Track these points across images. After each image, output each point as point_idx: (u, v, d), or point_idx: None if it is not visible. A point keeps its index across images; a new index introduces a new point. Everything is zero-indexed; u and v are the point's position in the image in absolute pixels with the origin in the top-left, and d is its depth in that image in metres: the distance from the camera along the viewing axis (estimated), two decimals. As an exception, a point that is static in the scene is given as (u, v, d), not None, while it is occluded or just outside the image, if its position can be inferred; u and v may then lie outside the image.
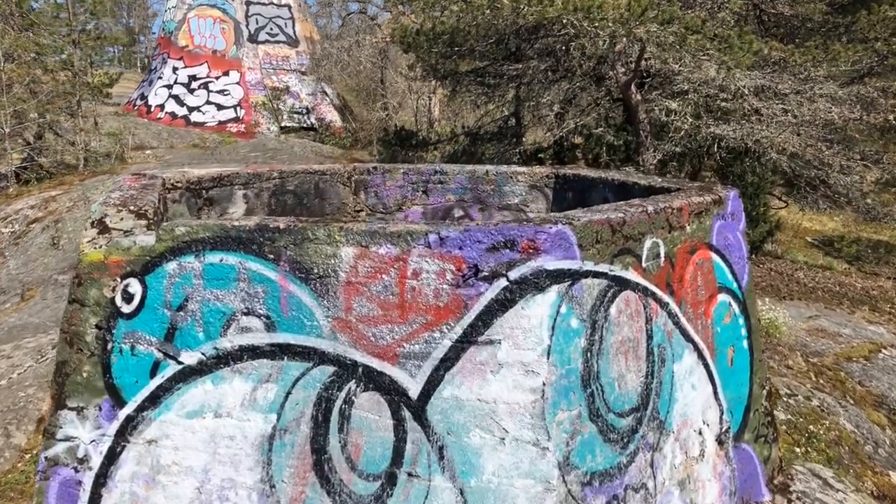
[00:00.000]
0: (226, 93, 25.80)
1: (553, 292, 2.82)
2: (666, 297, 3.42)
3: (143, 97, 25.68)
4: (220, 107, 25.43)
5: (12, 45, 12.27)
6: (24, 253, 7.14)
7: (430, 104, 25.22)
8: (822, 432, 5.06)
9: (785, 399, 5.50)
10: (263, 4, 27.65)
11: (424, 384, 2.83)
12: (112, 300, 3.04)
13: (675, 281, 3.50)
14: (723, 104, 10.86)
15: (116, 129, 18.10)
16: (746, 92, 10.32)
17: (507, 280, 2.79)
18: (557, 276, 2.84)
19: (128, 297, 3.03)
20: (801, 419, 5.27)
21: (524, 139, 15.62)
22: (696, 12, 9.28)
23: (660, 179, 4.66)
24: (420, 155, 16.99)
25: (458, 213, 5.90)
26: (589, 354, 2.95)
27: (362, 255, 2.89)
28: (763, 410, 4.21)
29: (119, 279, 3.04)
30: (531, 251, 2.79)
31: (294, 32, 27.73)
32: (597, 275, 3.02)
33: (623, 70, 11.20)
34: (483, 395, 2.78)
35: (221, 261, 2.99)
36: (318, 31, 30.78)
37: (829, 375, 6.58)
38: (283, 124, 25.45)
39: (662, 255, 3.43)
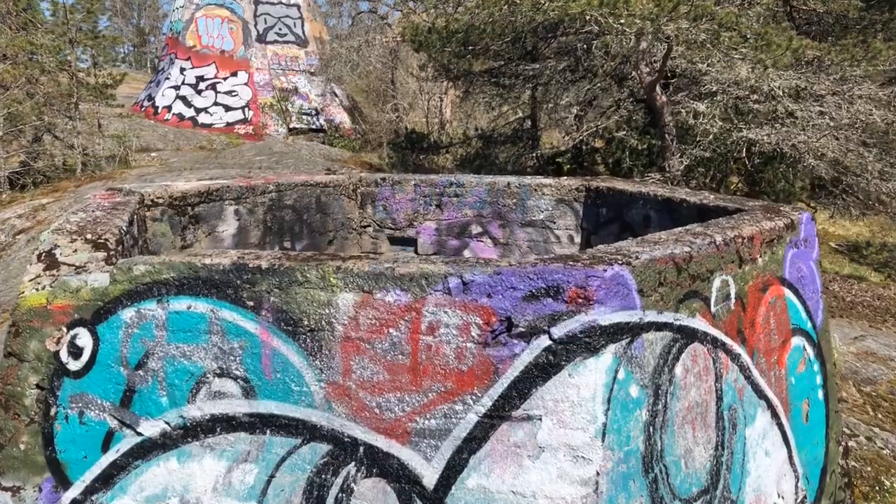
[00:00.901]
0: (234, 94, 25.32)
1: (609, 354, 2.20)
2: (737, 348, 2.79)
3: (151, 98, 25.26)
4: (227, 108, 24.96)
5: (8, 45, 11.77)
6: (6, 268, 6.60)
7: (441, 105, 24.62)
8: (894, 484, 4.41)
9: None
10: (272, 4, 27.14)
11: (443, 470, 2.21)
12: (56, 355, 2.44)
13: (747, 326, 2.87)
14: (755, 106, 10.18)
15: (121, 131, 17.63)
16: (781, 93, 9.64)
17: (550, 338, 2.18)
18: (614, 333, 2.22)
19: (75, 352, 2.44)
20: (868, 467, 4.62)
21: (540, 142, 14.99)
22: (730, 8, 8.61)
23: (712, 196, 4.02)
24: (431, 158, 16.40)
25: (475, 229, 5.28)
26: (651, 429, 2.33)
27: (364, 303, 2.28)
28: (840, 471, 3.57)
29: (65, 329, 2.45)
30: (581, 301, 2.17)
31: (303, 32, 27.21)
32: (660, 326, 2.40)
33: (647, 70, 10.54)
34: (519, 486, 2.17)
35: (189, 308, 2.39)
36: (328, 31, 30.25)
37: (887, 408, 5.92)
38: (291, 126, 24.94)
39: (733, 295, 2.80)
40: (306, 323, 2.31)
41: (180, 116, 24.26)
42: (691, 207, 3.94)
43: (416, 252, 5.45)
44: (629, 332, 2.26)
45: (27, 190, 12.09)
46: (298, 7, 27.17)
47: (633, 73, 11.04)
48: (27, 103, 11.56)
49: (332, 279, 2.30)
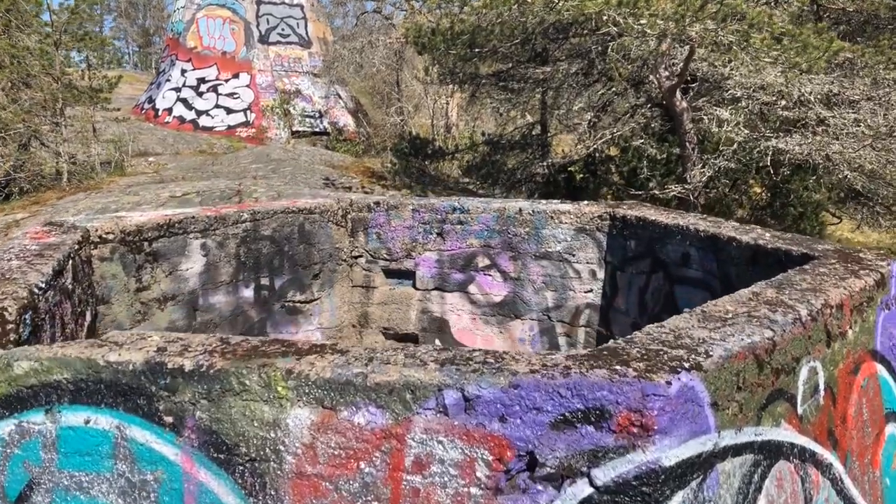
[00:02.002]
0: (235, 96, 24.72)
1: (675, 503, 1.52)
2: (828, 456, 2.11)
3: (151, 100, 24.70)
4: (229, 111, 24.37)
5: (-9, 48, 11.16)
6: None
7: (447, 108, 23.94)
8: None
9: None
10: (275, 4, 26.52)
11: None
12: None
13: (838, 423, 2.19)
14: (783, 113, 9.47)
15: (117, 135, 17.02)
16: (812, 99, 8.92)
17: (592, 485, 1.50)
18: (682, 475, 1.54)
19: (-63, 476, 1.78)
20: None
21: (551, 149, 14.28)
22: (761, 7, 7.91)
23: (767, 235, 3.33)
24: (436, 165, 15.73)
25: (482, 261, 4.61)
26: None
27: (325, 424, 1.61)
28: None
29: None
30: (636, 431, 1.50)
31: (307, 33, 26.57)
32: (739, 450, 1.72)
33: (666, 74, 9.84)
34: None
35: (88, 423, 1.73)
36: (332, 32, 29.63)
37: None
38: (294, 129, 24.33)
39: (822, 386, 2.12)
40: (244, 450, 1.65)
41: (181, 119, 23.68)
42: (743, 248, 3.26)
43: (414, 286, 4.78)
44: (701, 467, 1.59)
45: (11, 199, 11.48)
46: (302, 7, 26.54)
47: (651, 77, 10.34)
48: (10, 108, 10.94)
49: (280, 388, 1.63)
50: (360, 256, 4.84)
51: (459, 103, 23.88)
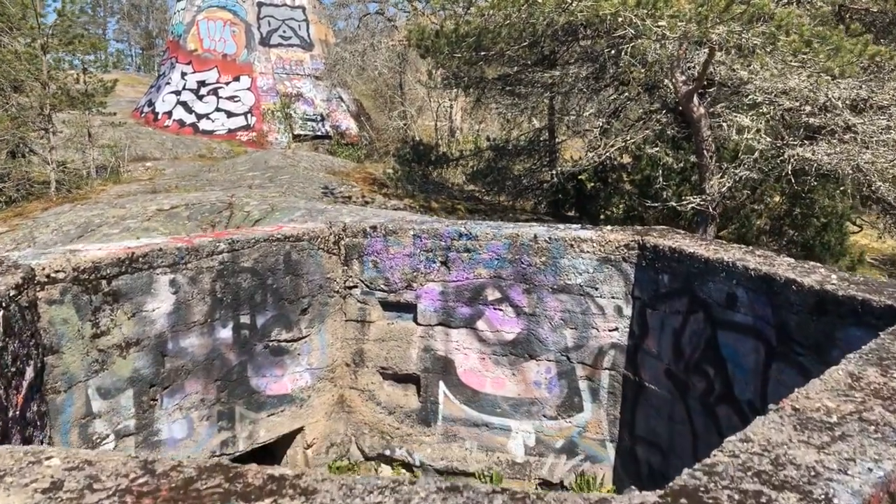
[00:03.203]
0: (236, 99, 24.29)
1: None
2: None
3: (151, 104, 24.28)
4: (229, 114, 23.94)
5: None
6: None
7: (451, 112, 23.44)
8: None
9: None
10: (276, 6, 26.08)
11: None
12: None
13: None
14: (808, 119, 8.92)
15: (114, 140, 16.57)
16: (840, 105, 8.38)
17: None
18: None
19: None
20: None
21: (559, 155, 13.75)
22: (791, 8, 7.36)
23: (834, 277, 2.80)
24: (440, 172, 15.20)
25: (492, 294, 4.08)
26: None
27: None
28: None
29: None
30: None
31: (308, 35, 26.12)
32: None
33: (683, 78, 9.29)
34: None
35: None
36: (334, 34, 29.15)
37: None
38: (295, 132, 23.87)
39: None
40: None
41: (181, 123, 23.25)
42: (805, 293, 2.72)
43: (415, 321, 4.26)
44: None
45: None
46: (303, 9, 26.09)
47: (666, 81, 9.81)
48: (-2, 116, 10.48)
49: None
50: (355, 287, 4.32)
51: (464, 107, 23.37)
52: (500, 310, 4.06)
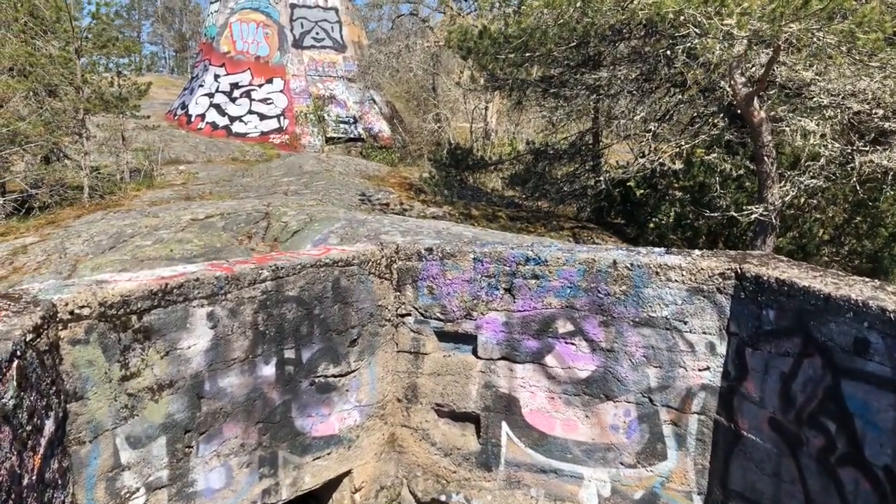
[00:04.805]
0: (269, 101, 24.17)
1: None
2: None
3: (184, 106, 24.28)
4: (262, 116, 23.83)
5: (11, 55, 10.53)
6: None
7: (486, 114, 22.96)
8: None
9: None
10: (309, 7, 25.91)
11: None
12: None
13: None
14: (880, 123, 8.31)
15: (148, 143, 16.47)
16: (917, 107, 7.79)
17: None
18: None
19: None
20: None
21: (604, 160, 13.23)
22: (873, 3, 6.77)
23: None
24: (477, 177, 14.74)
25: (563, 326, 3.63)
26: None
27: None
28: None
29: None
30: None
31: (341, 37, 25.90)
32: None
33: (742, 80, 8.73)
34: None
35: None
36: (367, 35, 28.90)
37: None
38: (328, 135, 23.64)
39: None
40: None
41: (214, 125, 23.20)
42: (970, 345, 2.23)
43: (475, 354, 3.82)
44: None
45: (32, 216, 10.82)
46: (336, 10, 25.88)
47: (723, 83, 9.25)
48: (30, 119, 10.27)
49: None
50: (408, 315, 3.90)
51: (499, 109, 22.89)
52: (573, 344, 3.60)
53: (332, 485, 3.92)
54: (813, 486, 2.94)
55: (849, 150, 8.22)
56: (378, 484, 4.01)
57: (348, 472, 3.86)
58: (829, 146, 8.18)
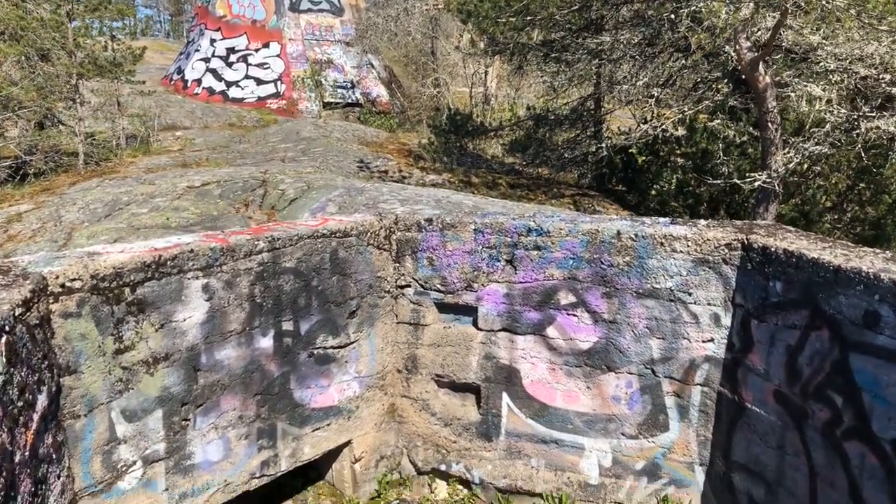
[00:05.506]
0: (266, 66, 23.80)
1: None
2: None
3: (180, 71, 23.92)
4: (259, 81, 23.49)
5: (3, 19, 10.30)
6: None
7: (485, 79, 22.66)
8: None
9: None
10: (306, -31, 25.38)
11: None
12: None
13: None
14: (887, 88, 8.16)
15: (144, 108, 16.25)
16: (926, 72, 7.64)
17: None
18: None
19: None
20: None
21: (606, 126, 13.04)
22: (885, -38, 6.58)
23: None
24: (476, 144, 14.58)
25: (565, 297, 3.57)
26: None
27: None
28: None
29: None
30: None
31: (339, 0, 25.45)
32: None
33: (748, 45, 8.54)
34: None
35: None
36: (364, -2, 28.36)
37: None
38: (326, 100, 23.33)
39: None
40: None
41: (210, 91, 22.88)
42: None
43: (475, 325, 3.77)
44: None
45: (27, 183, 10.70)
46: (333, -28, 25.36)
47: (727, 47, 9.06)
48: (22, 84, 10.09)
49: None
50: (408, 286, 3.83)
51: (499, 73, 22.58)
52: (575, 315, 3.55)
53: (332, 455, 3.90)
54: (818, 460, 2.91)
55: (854, 116, 8.08)
56: (378, 454, 4.00)
57: (348, 443, 3.84)
58: (835, 112, 8.05)
